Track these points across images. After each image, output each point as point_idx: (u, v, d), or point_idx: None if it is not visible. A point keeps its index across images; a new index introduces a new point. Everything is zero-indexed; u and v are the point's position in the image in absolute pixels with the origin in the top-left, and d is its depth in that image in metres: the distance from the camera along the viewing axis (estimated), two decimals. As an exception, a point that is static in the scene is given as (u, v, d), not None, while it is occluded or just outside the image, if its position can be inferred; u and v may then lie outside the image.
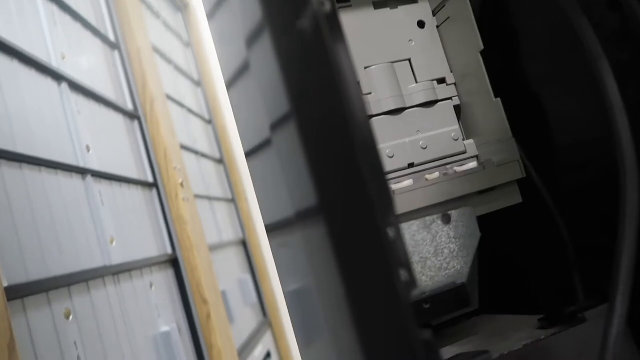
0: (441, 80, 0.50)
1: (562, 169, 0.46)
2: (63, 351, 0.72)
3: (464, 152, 0.49)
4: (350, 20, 0.48)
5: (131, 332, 0.94)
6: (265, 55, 0.33)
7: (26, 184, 0.74)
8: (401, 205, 0.42)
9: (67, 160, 0.86)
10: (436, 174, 0.47)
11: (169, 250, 1.23)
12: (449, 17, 0.49)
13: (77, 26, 1.06)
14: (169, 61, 1.61)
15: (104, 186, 0.98)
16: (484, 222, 0.46)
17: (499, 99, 0.47)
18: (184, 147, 1.47)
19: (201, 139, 1.77)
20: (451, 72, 0.51)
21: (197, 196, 1.46)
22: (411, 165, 0.47)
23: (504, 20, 0.48)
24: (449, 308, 0.42)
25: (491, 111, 0.47)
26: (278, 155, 0.38)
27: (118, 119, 1.15)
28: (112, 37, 1.23)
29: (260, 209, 0.55)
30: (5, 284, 0.61)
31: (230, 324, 1.41)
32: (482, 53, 0.47)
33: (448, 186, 0.45)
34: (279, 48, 0.30)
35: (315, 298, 0.37)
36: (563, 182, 0.46)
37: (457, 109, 0.50)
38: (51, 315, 0.72)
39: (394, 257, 0.23)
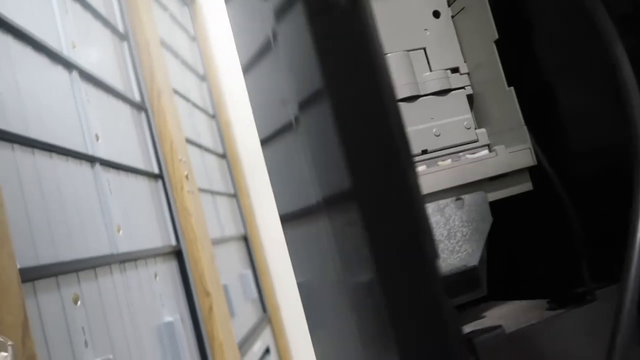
0: (455, 70, 0.51)
1: (572, 157, 0.47)
2: (71, 335, 0.73)
3: (476, 140, 0.50)
4: (367, 9, 0.48)
5: (136, 321, 0.94)
6: (297, 34, 0.34)
7: (37, 169, 0.75)
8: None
9: (77, 147, 0.87)
10: (448, 161, 0.48)
11: (173, 242, 1.24)
12: (464, 7, 0.50)
13: (88, 16, 1.07)
14: (175, 55, 1.62)
15: (111, 175, 0.99)
16: (495, 208, 0.47)
17: (511, 88, 0.48)
18: (188, 141, 1.47)
19: (205, 133, 1.77)
20: (465, 61, 0.51)
21: (200, 190, 1.47)
22: (424, 152, 0.48)
23: (518, 9, 0.49)
24: (461, 290, 0.43)
25: (504, 100, 0.48)
26: (307, 137, 0.38)
27: (126, 109, 1.16)
28: (121, 29, 1.24)
29: (276, 199, 0.56)
30: (18, 266, 0.62)
31: (231, 318, 1.42)
32: (496, 42, 0.48)
33: (460, 172, 0.46)
34: (312, 24, 0.31)
35: (340, 285, 0.37)
36: (574, 169, 0.47)
37: (470, 97, 0.51)
38: (60, 300, 0.73)
39: (424, 229, 0.24)
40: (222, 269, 1.45)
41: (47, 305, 0.69)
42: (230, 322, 1.38)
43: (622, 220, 0.43)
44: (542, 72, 0.48)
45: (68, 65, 0.91)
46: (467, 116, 0.51)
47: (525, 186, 0.48)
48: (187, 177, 1.32)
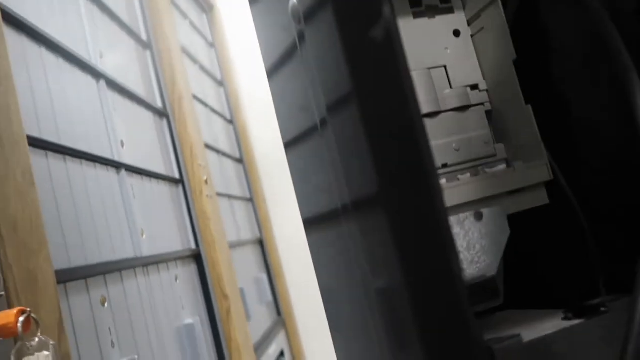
0: (474, 87, 0.53)
1: (588, 172, 0.49)
2: (99, 336, 0.76)
3: (494, 155, 0.52)
4: (390, 28, 0.51)
5: (158, 323, 0.97)
6: (327, 38, 0.36)
7: (69, 176, 0.78)
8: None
9: (104, 154, 0.90)
10: (467, 175, 0.50)
11: (193, 245, 1.26)
12: (483, 27, 0.52)
13: (114, 26, 1.10)
14: (194, 61, 1.65)
15: (135, 180, 1.02)
16: (512, 220, 0.49)
17: (529, 105, 0.50)
18: (207, 146, 1.50)
19: (222, 138, 1.80)
20: (484, 78, 0.53)
21: (218, 194, 1.50)
22: (444, 166, 0.50)
23: (536, 30, 0.51)
24: (479, 299, 0.45)
25: (522, 117, 0.50)
26: (334, 141, 0.40)
27: (149, 116, 1.19)
28: (144, 37, 1.27)
29: (300, 202, 0.58)
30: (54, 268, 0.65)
31: (247, 321, 1.44)
32: (515, 62, 0.50)
33: (479, 186, 0.48)
34: (343, 31, 0.33)
35: (365, 289, 0.40)
36: (589, 184, 0.49)
37: (489, 113, 0.53)
38: (89, 301, 0.76)
39: (449, 240, 0.26)
40: (238, 273, 1.48)
41: (77, 306, 0.72)
42: (247, 324, 1.40)
43: (636, 234, 0.45)
44: (559, 90, 0.50)
45: (96, 74, 0.94)
46: (486, 131, 0.53)
47: (542, 200, 0.50)
48: (206, 181, 1.35)
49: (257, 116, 2.05)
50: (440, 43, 0.53)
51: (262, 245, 1.94)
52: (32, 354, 0.50)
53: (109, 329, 0.79)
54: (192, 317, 1.13)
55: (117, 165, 0.94)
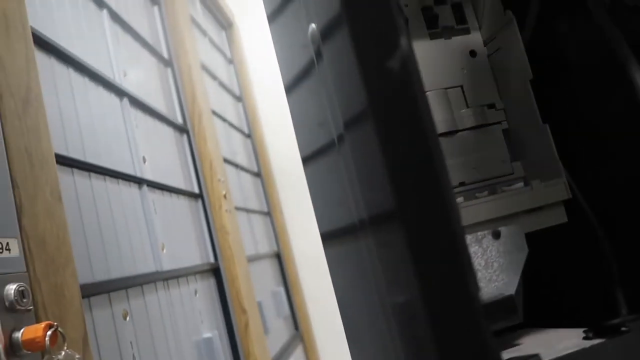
0: (491, 106, 0.54)
1: (606, 191, 0.49)
2: (121, 349, 0.77)
3: (512, 173, 0.53)
4: (408, 49, 0.52)
5: (178, 336, 0.98)
6: (343, 56, 0.37)
7: (93, 192, 0.80)
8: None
9: (126, 170, 0.92)
10: (485, 193, 0.51)
11: (212, 259, 1.28)
12: (499, 48, 0.53)
13: (137, 45, 1.13)
14: (213, 77, 1.68)
15: (156, 195, 1.04)
16: (530, 238, 0.49)
17: (546, 124, 0.50)
18: (225, 160, 1.52)
19: (240, 153, 1.83)
20: (500, 98, 0.54)
21: (236, 208, 1.52)
22: (462, 184, 0.51)
23: (552, 50, 0.51)
24: (498, 317, 0.45)
25: (539, 135, 0.51)
26: (351, 157, 0.41)
27: (169, 132, 1.22)
28: (165, 55, 1.30)
29: (317, 216, 0.59)
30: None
31: (265, 335, 1.45)
32: (531, 81, 0.50)
33: (497, 204, 0.48)
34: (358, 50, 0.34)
35: (381, 303, 0.40)
36: (607, 202, 0.49)
37: (506, 132, 0.54)
38: (112, 315, 0.77)
39: (467, 260, 0.27)
40: (256, 286, 1.49)
41: (100, 320, 0.74)
42: (265, 338, 1.41)
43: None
44: (575, 108, 0.51)
45: (120, 92, 0.96)
46: (503, 150, 0.53)
47: (561, 218, 0.50)
48: (225, 196, 1.37)
49: (275, 131, 2.07)
50: (457, 63, 0.54)
51: (280, 258, 1.95)
52: (59, 367, 0.51)
53: (131, 342, 0.80)
54: (211, 330, 1.14)
55: (139, 181, 0.96)
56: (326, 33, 0.48)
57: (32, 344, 0.50)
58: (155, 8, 1.32)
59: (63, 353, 0.52)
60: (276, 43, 0.65)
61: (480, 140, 0.53)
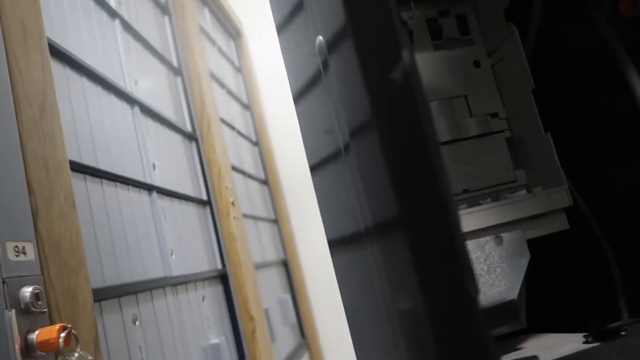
0: (494, 115, 0.55)
1: (608, 197, 0.50)
2: (130, 354, 0.79)
3: (515, 181, 0.54)
4: (413, 59, 0.53)
5: (185, 342, 0.99)
6: (349, 67, 0.39)
7: (104, 198, 0.81)
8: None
9: (137, 177, 0.94)
10: (488, 200, 0.52)
11: (219, 266, 1.29)
12: (502, 58, 0.54)
13: (147, 54, 1.15)
14: (222, 85, 1.70)
15: (166, 202, 1.05)
16: (532, 245, 0.50)
17: (548, 133, 0.51)
18: (233, 168, 1.54)
19: (248, 160, 1.84)
20: (503, 107, 0.55)
21: (244, 215, 1.53)
22: (465, 191, 0.52)
23: (554, 61, 0.53)
24: (501, 322, 0.46)
25: (541, 144, 0.52)
26: (357, 165, 0.43)
27: (179, 139, 1.23)
28: (175, 64, 1.32)
29: (325, 224, 0.60)
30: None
31: (272, 342, 1.45)
32: (533, 91, 0.51)
33: (500, 211, 0.49)
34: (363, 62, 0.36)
35: (386, 310, 0.41)
36: (609, 209, 0.50)
37: (509, 140, 0.55)
38: (121, 320, 0.79)
39: (467, 265, 0.28)
40: (263, 293, 1.50)
41: (111, 324, 0.75)
42: (271, 346, 1.42)
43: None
44: (576, 117, 0.52)
45: (131, 100, 0.98)
46: (506, 158, 0.54)
47: (562, 225, 0.51)
48: (232, 203, 1.38)
49: (282, 138, 2.09)
50: (461, 73, 0.55)
51: (287, 266, 1.96)
52: (72, 369, 0.52)
53: (140, 347, 0.82)
54: (218, 337, 1.15)
55: (149, 188, 0.98)
56: (332, 44, 0.49)
57: (47, 345, 0.51)
58: (166, 18, 1.35)
59: (76, 355, 0.54)
60: (284, 53, 0.67)
61: (484, 149, 0.54)
